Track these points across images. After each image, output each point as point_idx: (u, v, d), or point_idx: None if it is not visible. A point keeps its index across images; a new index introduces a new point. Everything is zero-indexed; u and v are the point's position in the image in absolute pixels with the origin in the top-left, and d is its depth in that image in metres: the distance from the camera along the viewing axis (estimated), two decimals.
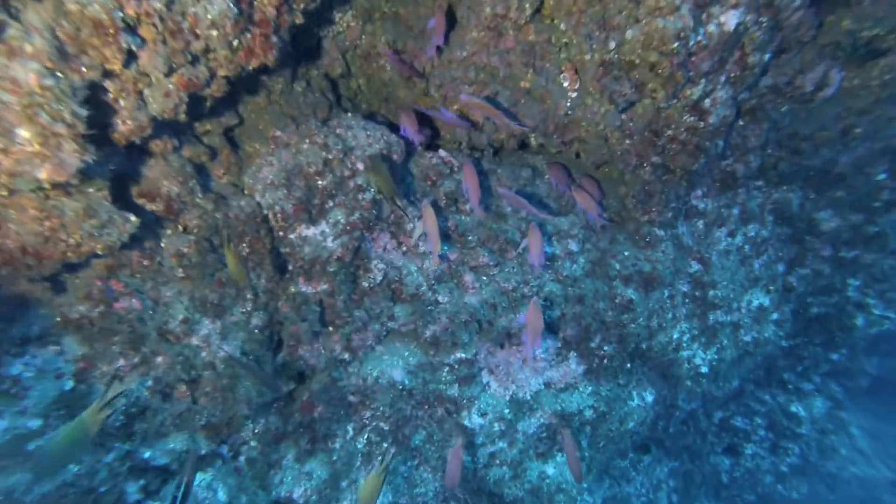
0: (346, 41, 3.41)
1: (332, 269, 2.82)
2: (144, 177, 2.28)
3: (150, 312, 2.37)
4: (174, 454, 2.35)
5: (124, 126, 1.84)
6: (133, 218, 2.01)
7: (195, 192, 2.40)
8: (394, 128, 3.11)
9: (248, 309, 2.75)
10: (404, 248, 3.36)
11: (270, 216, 2.57)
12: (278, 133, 2.67)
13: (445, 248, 3.01)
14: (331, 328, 3.12)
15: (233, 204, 2.56)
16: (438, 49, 3.08)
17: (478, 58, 2.90)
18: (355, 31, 3.38)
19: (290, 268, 2.75)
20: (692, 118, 2.84)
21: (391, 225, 3.23)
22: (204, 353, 2.49)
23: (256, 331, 2.80)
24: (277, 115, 3.02)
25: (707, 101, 2.78)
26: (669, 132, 2.94)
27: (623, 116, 2.93)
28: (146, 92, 1.86)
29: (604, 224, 3.43)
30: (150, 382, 2.27)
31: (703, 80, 2.69)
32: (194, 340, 2.51)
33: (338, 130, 2.73)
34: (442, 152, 3.31)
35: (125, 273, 2.30)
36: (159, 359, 2.31)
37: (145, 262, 2.34)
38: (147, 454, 2.26)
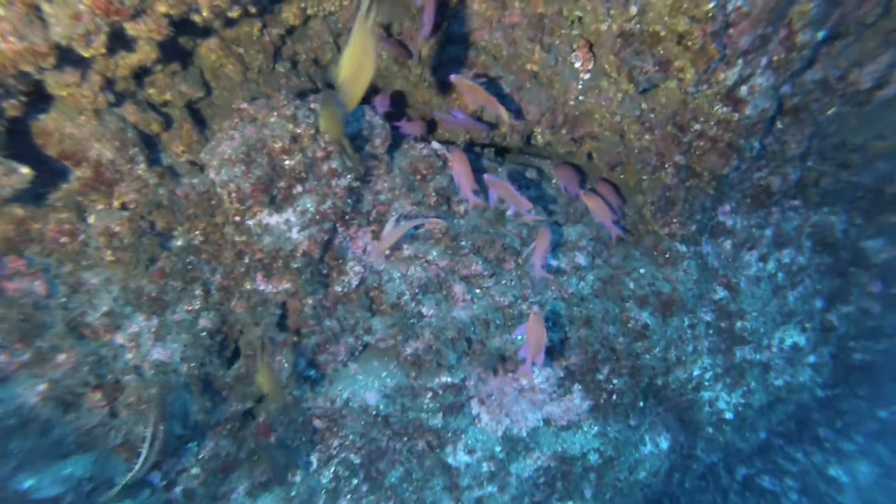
0: (339, 23, 3.11)
1: (296, 266, 2.43)
2: (68, 134, 1.94)
3: (63, 300, 1.99)
4: (72, 482, 1.91)
5: (5, 44, 1.50)
6: (25, 170, 1.65)
7: (136, 162, 2.06)
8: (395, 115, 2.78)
9: (196, 307, 2.36)
10: (387, 252, 2.96)
11: (224, 196, 2.21)
12: (244, 105, 2.34)
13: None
14: (295, 337, 2.71)
15: (184, 181, 2.20)
16: (436, 27, 2.76)
17: (479, 35, 2.57)
18: (349, 12, 3.08)
19: (247, 261, 2.36)
20: (725, 109, 2.46)
21: (373, 223, 2.85)
22: (129, 355, 2.09)
23: (204, 334, 2.40)
24: (253, 95, 2.71)
25: (744, 89, 2.40)
26: (697, 126, 2.56)
27: (643, 106, 2.55)
28: (45, 7, 1.53)
29: (620, 236, 3.01)
30: (41, 386, 1.86)
31: (740, 61, 2.32)
32: (119, 338, 2.12)
33: (312, 105, 2.39)
34: (435, 144, 2.96)
35: (33, 249, 1.93)
36: (61, 357, 1.91)
37: (64, 240, 1.98)
38: (28, 483, 1.82)
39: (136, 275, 2.07)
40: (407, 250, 2.92)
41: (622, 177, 3.26)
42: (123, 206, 2.07)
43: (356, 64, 1.67)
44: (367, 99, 2.86)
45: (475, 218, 3.05)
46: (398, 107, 3.20)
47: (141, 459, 1.89)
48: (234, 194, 2.18)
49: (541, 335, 2.49)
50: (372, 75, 1.74)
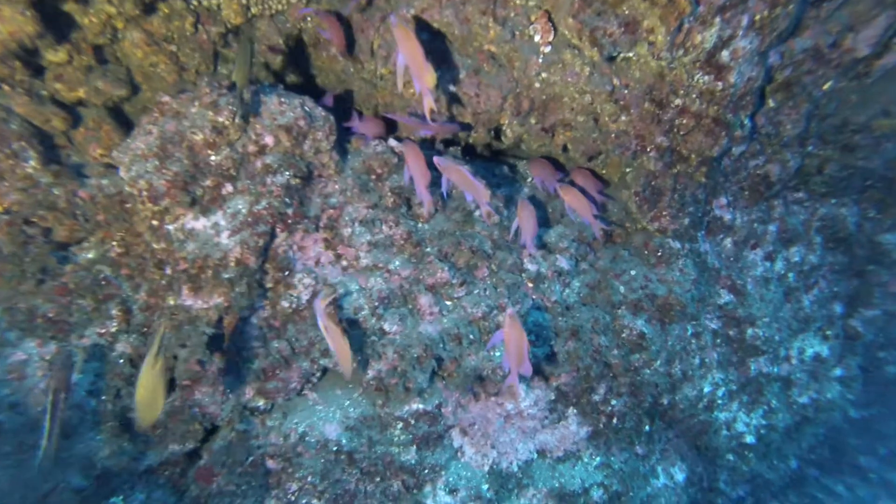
0: (288, 23, 2.93)
1: (228, 276, 2.14)
2: None
3: None
4: None
5: None
6: None
7: (22, 159, 1.80)
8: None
9: (112, 329, 2.06)
10: (345, 263, 2.66)
11: (134, 195, 1.94)
12: (166, 98, 2.10)
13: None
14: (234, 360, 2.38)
15: (90, 182, 1.94)
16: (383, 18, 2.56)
17: (429, 14, 2.36)
18: (296, 10, 2.90)
19: (169, 272, 2.07)
20: (707, 78, 2.20)
21: (323, 229, 2.56)
22: (6, 391, 1.77)
23: (121, 361, 2.08)
24: None
25: (725, 54, 2.14)
26: (677, 101, 2.29)
27: (615, 81, 2.29)
28: None
29: (605, 230, 2.69)
30: None
31: (717, 20, 2.07)
32: None
33: (245, 95, 2.15)
34: (392, 141, 2.70)
35: None
36: None
37: None
38: None
39: (24, 292, 1.78)
40: (364, 259, 2.62)
41: (604, 171, 2.98)
42: (6, 211, 1.81)
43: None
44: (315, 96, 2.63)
45: (442, 221, 2.77)
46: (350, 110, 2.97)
47: (44, 433, 1.59)
48: (144, 192, 1.92)
49: (521, 340, 2.16)
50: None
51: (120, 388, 2.03)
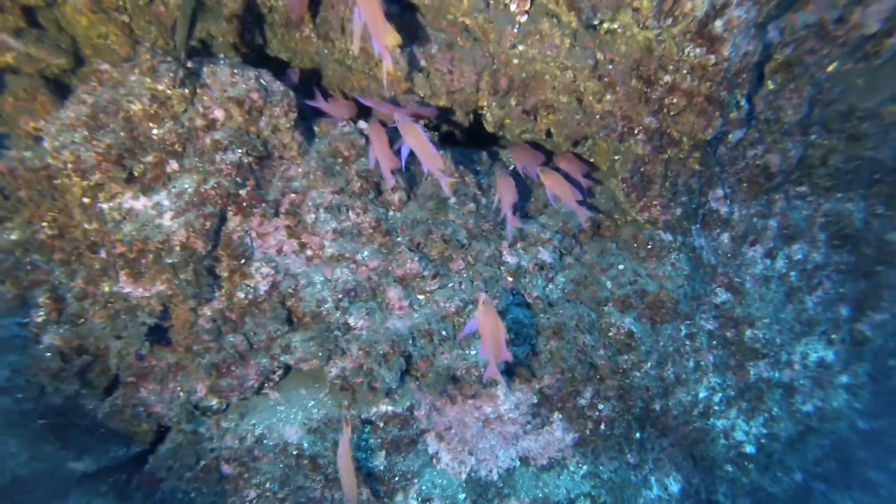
0: (270, 1, 2.75)
1: (171, 262, 1.95)
2: None
3: None
4: None
5: None
6: None
7: None
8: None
9: (38, 319, 1.87)
10: (309, 252, 2.47)
11: (59, 168, 1.75)
12: (105, 66, 1.93)
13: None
14: (181, 351, 2.19)
15: (10, 154, 1.77)
16: None
17: None
18: None
19: (104, 255, 1.88)
20: (698, 51, 2.01)
21: (284, 214, 2.38)
22: None
23: (48, 355, 1.89)
24: None
25: (718, 24, 1.95)
26: (667, 77, 2.10)
27: (599, 56, 2.10)
28: None
29: (591, 217, 2.49)
30: None
31: None
32: None
33: (189, 64, 1.98)
34: (361, 122, 2.52)
35: None
36: None
37: None
38: None
39: None
40: (330, 248, 2.43)
41: (592, 160, 2.79)
42: None
43: None
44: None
45: (415, 209, 2.58)
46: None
47: None
48: (70, 165, 1.74)
49: (496, 326, 1.96)
50: None
51: (45, 384, 1.84)
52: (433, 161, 1.96)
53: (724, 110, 2.15)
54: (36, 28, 2.08)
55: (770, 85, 2.47)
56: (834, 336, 3.65)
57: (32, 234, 1.86)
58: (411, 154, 2.16)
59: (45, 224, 1.90)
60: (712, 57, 2.00)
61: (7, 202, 1.79)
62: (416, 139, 1.93)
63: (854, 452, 5.26)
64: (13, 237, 1.82)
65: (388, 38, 1.69)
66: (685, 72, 2.07)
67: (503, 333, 1.99)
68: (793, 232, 3.17)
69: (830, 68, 2.46)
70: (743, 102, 2.30)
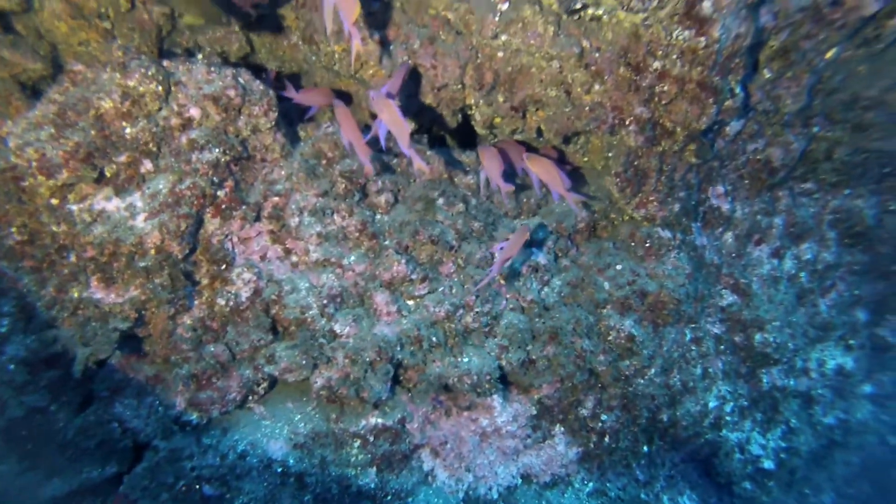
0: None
1: (144, 265, 1.87)
2: None
3: None
4: None
5: None
6: None
7: None
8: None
9: (1, 330, 1.79)
10: (294, 258, 2.39)
11: (22, 167, 1.70)
12: (78, 66, 1.90)
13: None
14: (159, 362, 2.09)
15: None
16: None
17: None
18: None
19: (74, 259, 1.81)
20: (687, 33, 1.93)
21: (268, 219, 2.30)
22: None
23: (12, 367, 1.80)
24: None
25: (707, 4, 1.89)
26: (656, 64, 2.03)
27: (584, 43, 2.04)
28: None
29: (581, 200, 2.38)
30: None
31: None
32: None
33: (165, 62, 1.94)
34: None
35: None
36: None
37: None
38: None
39: None
40: (315, 253, 2.34)
41: (586, 159, 2.71)
42: None
43: None
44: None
45: (403, 212, 2.49)
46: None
47: None
48: (34, 163, 1.69)
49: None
50: None
51: (7, 398, 1.74)
52: (403, 137, 1.87)
53: (717, 97, 2.07)
54: (11, 34, 2.06)
55: (766, 73, 2.40)
56: (852, 341, 3.47)
57: (1, 241, 1.80)
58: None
59: (13, 229, 1.84)
60: (702, 39, 1.93)
61: None
62: (390, 115, 1.85)
63: (889, 472, 4.94)
64: None
65: (355, 12, 1.66)
66: (675, 57, 2.00)
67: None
68: (800, 230, 3.04)
69: (829, 55, 2.37)
70: (738, 90, 2.22)
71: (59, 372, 2.03)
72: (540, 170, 2.13)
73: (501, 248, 2.16)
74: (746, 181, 2.82)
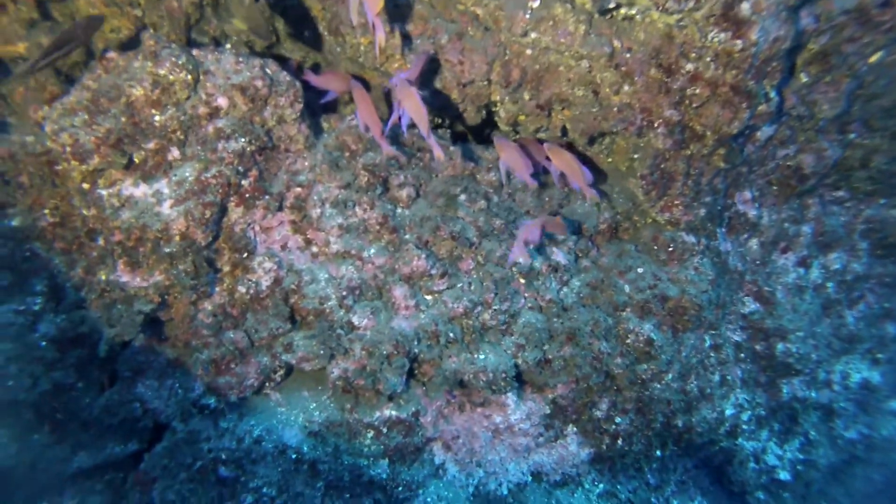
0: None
1: (168, 251, 1.91)
2: None
3: None
4: None
5: None
6: None
7: None
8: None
9: (35, 308, 1.84)
10: (314, 248, 2.41)
11: (57, 151, 1.74)
12: (111, 54, 1.93)
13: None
14: (180, 346, 2.14)
15: (12, 139, 1.76)
16: None
17: None
18: None
19: (102, 242, 1.85)
20: (723, 35, 1.88)
21: (290, 209, 2.32)
22: None
23: (44, 344, 1.86)
24: None
25: (745, 6, 1.84)
26: (689, 66, 1.98)
27: (616, 43, 2.00)
28: None
29: (598, 202, 2.35)
30: None
31: None
32: None
33: (194, 51, 1.96)
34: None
35: None
36: None
37: None
38: None
39: None
40: (335, 245, 2.36)
41: (610, 160, 2.67)
42: None
43: None
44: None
45: (424, 207, 2.49)
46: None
47: None
48: (68, 148, 1.72)
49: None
50: None
51: (39, 375, 1.80)
52: (423, 123, 1.87)
53: (751, 102, 2.02)
54: (49, 21, 2.10)
55: (803, 78, 2.32)
56: (880, 356, 3.39)
57: (34, 222, 1.85)
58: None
59: (46, 211, 1.89)
60: (739, 42, 1.88)
61: (7, 187, 1.77)
62: (411, 101, 1.85)
63: None
64: (14, 223, 1.81)
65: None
66: (709, 59, 1.95)
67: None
68: (829, 239, 2.97)
69: (873, 59, 2.29)
70: (773, 94, 2.16)
71: (86, 351, 2.10)
72: (561, 162, 2.11)
73: (526, 226, 2.13)
74: (775, 187, 2.75)
